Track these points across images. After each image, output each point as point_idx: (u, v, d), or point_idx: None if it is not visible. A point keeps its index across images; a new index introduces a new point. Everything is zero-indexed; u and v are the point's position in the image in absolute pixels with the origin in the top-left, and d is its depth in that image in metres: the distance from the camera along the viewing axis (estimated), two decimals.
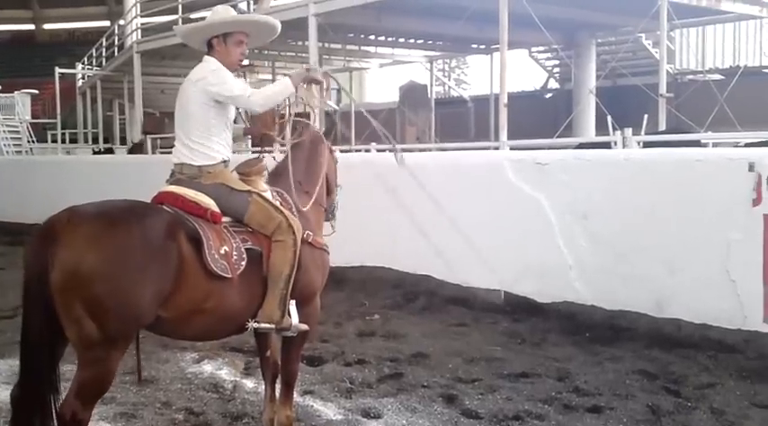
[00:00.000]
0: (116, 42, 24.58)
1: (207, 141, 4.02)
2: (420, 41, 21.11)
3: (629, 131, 8.48)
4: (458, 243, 7.83)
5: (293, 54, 21.45)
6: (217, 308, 3.71)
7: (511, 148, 9.47)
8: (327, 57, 21.43)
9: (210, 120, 4.03)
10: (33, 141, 26.78)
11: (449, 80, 36.59)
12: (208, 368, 5.74)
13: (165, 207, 3.81)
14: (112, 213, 3.51)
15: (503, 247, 7.41)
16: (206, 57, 4.16)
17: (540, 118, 21.06)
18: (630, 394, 4.98)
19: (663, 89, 13.50)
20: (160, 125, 23.83)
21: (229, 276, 3.69)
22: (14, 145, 26.09)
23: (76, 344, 3.39)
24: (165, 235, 3.50)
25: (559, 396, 4.98)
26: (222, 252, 3.69)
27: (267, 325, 3.92)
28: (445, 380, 5.34)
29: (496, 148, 10.14)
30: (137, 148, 16.78)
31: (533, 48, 23.86)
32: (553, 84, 27.31)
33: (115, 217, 3.47)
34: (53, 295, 3.31)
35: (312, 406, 4.87)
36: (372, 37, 20.05)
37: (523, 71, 28.92)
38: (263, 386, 4.49)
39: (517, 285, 7.28)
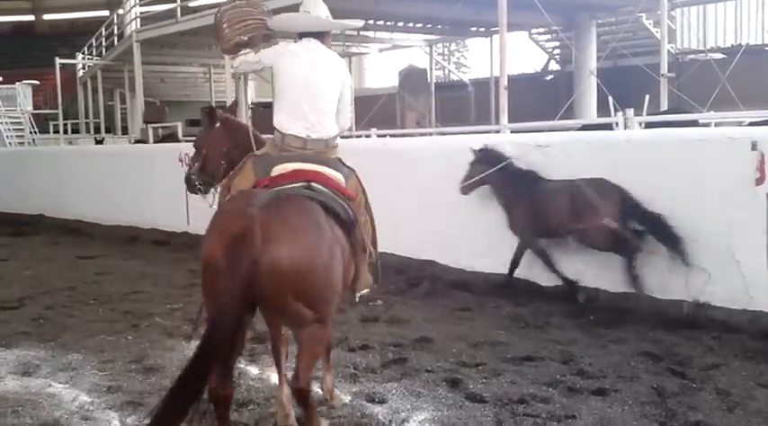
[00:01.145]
0: (116, 32, 24.50)
1: (333, 119, 4.30)
2: (419, 25, 21.01)
3: (630, 112, 8.44)
4: (460, 227, 7.83)
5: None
6: (347, 279, 3.97)
7: (512, 131, 9.44)
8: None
9: (337, 102, 4.33)
10: (35, 132, 26.75)
11: (448, 64, 36.42)
12: None
13: (314, 185, 3.92)
14: (290, 209, 3.61)
15: (505, 230, 7.39)
16: (322, 44, 4.38)
17: (541, 100, 20.96)
18: (635, 376, 4.98)
19: (664, 69, 13.42)
20: (161, 114, 23.81)
21: (367, 251, 4.10)
22: (16, 135, 26.10)
23: (294, 326, 3.70)
24: (330, 220, 3.74)
25: (564, 379, 4.98)
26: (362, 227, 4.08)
27: (366, 291, 4.36)
28: (449, 364, 5.35)
29: (497, 132, 10.10)
30: (170, 138, 16.59)
31: (533, 30, 23.74)
32: (554, 66, 27.16)
33: (297, 212, 3.61)
34: (263, 293, 3.39)
35: (317, 392, 4.86)
36: (371, 21, 19.94)
37: (524, 53, 28.77)
38: (267, 373, 4.51)
39: (520, 269, 7.27)
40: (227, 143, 4.90)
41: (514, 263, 7.17)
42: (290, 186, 3.88)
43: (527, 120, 10.84)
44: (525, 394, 4.70)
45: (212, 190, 5.12)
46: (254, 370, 5.34)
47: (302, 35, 4.42)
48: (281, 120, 4.24)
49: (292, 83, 4.22)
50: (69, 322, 6.96)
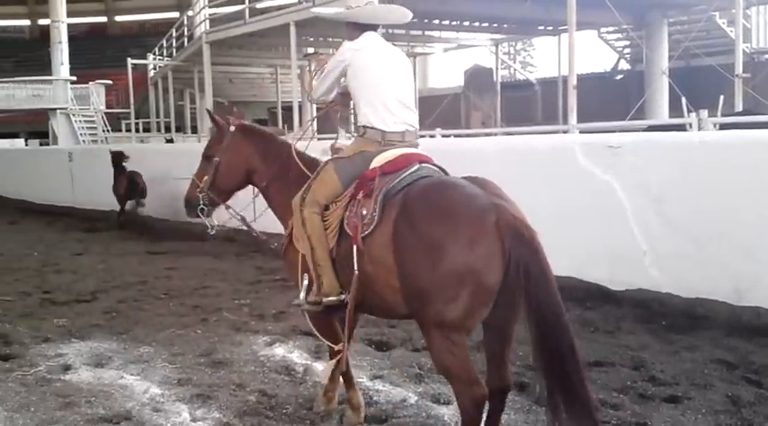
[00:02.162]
0: (185, 33, 25.00)
1: (414, 110, 4.19)
2: (485, 24, 20.84)
3: (704, 113, 8.23)
4: None
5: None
6: None
7: (581, 132, 9.30)
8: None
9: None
10: (108, 130, 27.55)
11: (514, 63, 36.09)
12: (279, 351, 5.81)
13: (427, 165, 3.95)
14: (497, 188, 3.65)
15: (574, 233, 7.28)
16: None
17: (611, 100, 20.64)
18: (709, 384, 4.83)
19: (739, 69, 13.08)
20: (229, 114, 24.21)
21: None
22: (90, 133, 26.90)
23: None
24: None
25: (635, 386, 4.87)
26: None
27: None
28: (516, 368, 5.25)
29: (566, 132, 9.97)
30: None
31: (602, 29, 23.34)
32: (624, 66, 26.69)
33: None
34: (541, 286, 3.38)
35: (382, 391, 4.88)
36: (436, 21, 19.89)
37: (592, 52, 28.36)
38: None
39: (589, 271, 7.15)
40: (250, 152, 4.52)
41: None
42: (411, 171, 3.84)
43: (596, 121, 10.68)
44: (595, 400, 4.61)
45: (213, 214, 4.73)
46: (320, 367, 5.36)
47: (359, 30, 4.22)
48: (375, 117, 4.04)
49: (376, 79, 4.05)
50: (140, 315, 7.12)
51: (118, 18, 52.43)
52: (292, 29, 16.57)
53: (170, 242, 11.99)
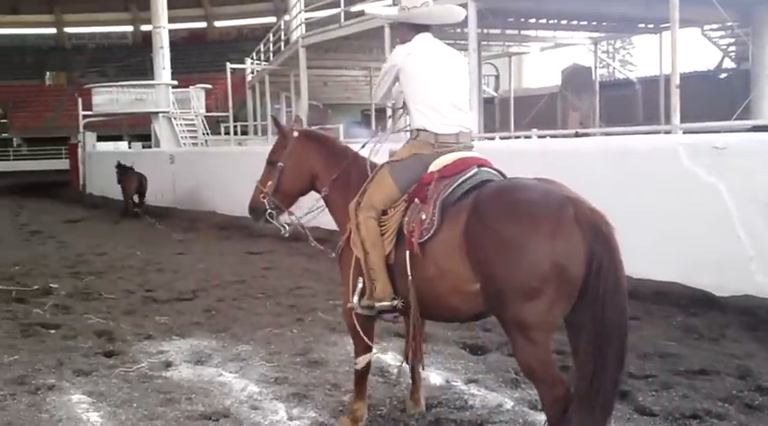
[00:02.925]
0: (282, 37, 25.41)
1: (468, 111, 4.20)
2: (583, 23, 20.37)
3: None
4: (628, 232, 7.49)
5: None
6: None
7: (684, 132, 8.98)
8: (486, 42, 21.14)
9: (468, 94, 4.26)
10: (208, 133, 28.29)
11: (614, 61, 35.20)
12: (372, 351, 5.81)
13: (485, 169, 3.91)
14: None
15: (677, 237, 7.04)
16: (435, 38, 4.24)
17: (715, 100, 19.81)
18: None
19: None
20: (324, 116, 24.50)
21: None
22: (190, 136, 27.69)
23: None
24: None
25: (741, 395, 4.67)
26: None
27: None
28: None
29: (668, 132, 9.65)
30: None
31: (706, 26, 22.48)
32: (728, 64, 25.63)
33: None
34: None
35: (477, 395, 4.83)
36: (533, 20, 19.58)
37: (695, 50, 27.33)
38: (426, 372, 4.52)
39: (693, 277, 6.89)
40: (313, 157, 4.54)
41: None
42: (469, 175, 3.81)
43: (699, 121, 10.30)
44: (699, 410, 4.44)
45: (282, 218, 4.73)
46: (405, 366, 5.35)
47: (413, 31, 4.18)
48: (426, 121, 4.05)
49: (426, 83, 4.05)
50: (239, 314, 7.28)
51: (217, 23, 53.99)
52: (387, 31, 16.62)
53: (267, 242, 12.22)
